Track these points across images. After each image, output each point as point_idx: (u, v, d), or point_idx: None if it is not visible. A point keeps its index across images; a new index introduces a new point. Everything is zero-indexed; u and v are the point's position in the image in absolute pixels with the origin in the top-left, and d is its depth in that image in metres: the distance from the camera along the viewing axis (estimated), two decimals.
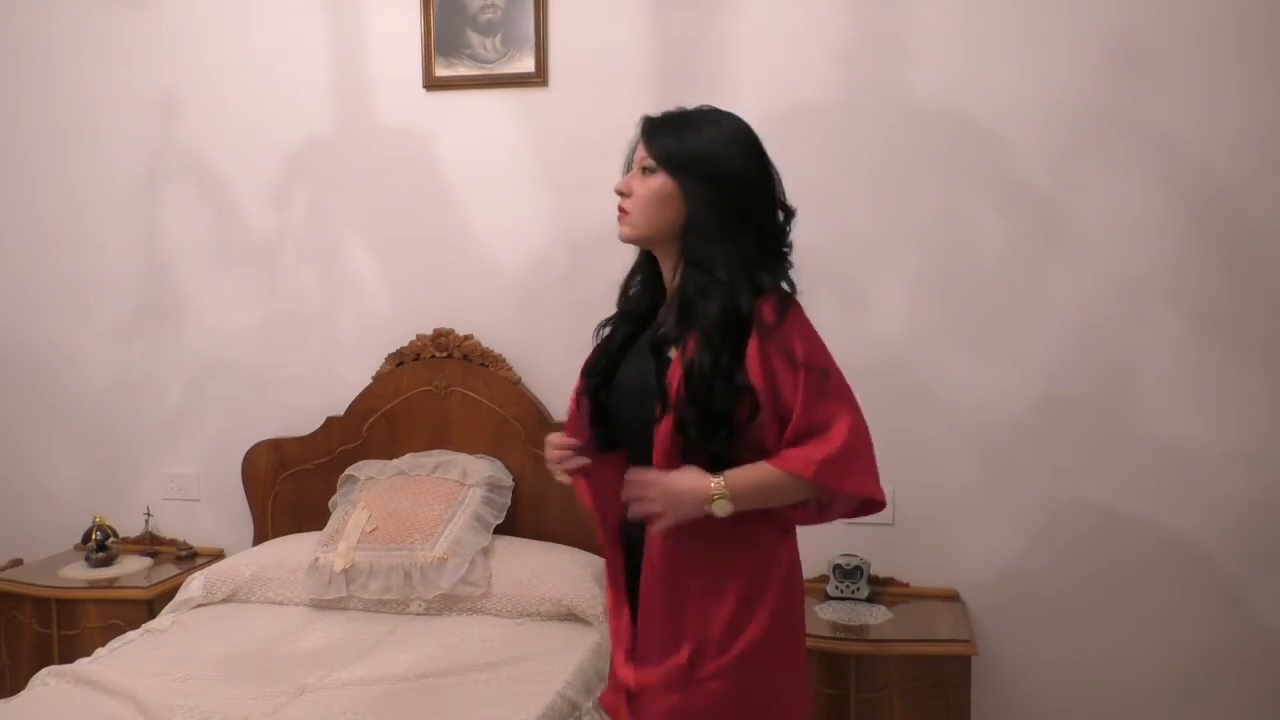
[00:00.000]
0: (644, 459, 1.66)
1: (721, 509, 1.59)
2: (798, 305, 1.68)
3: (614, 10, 2.97)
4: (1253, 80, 2.65)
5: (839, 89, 2.85)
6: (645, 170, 1.71)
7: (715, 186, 1.66)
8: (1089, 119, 2.73)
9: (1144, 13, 2.69)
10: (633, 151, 1.77)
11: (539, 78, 3.02)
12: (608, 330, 1.82)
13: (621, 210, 1.72)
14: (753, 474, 1.61)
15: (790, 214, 1.74)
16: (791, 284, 1.72)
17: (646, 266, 1.80)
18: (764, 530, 1.68)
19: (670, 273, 1.75)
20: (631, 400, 1.72)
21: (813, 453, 1.59)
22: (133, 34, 3.27)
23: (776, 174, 1.73)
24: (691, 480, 1.61)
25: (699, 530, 1.63)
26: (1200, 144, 2.68)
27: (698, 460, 1.62)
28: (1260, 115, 2.65)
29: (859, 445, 1.63)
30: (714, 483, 1.60)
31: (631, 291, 1.82)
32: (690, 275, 1.66)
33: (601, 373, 1.77)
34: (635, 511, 1.63)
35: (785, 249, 1.74)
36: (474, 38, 3.06)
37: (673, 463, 1.63)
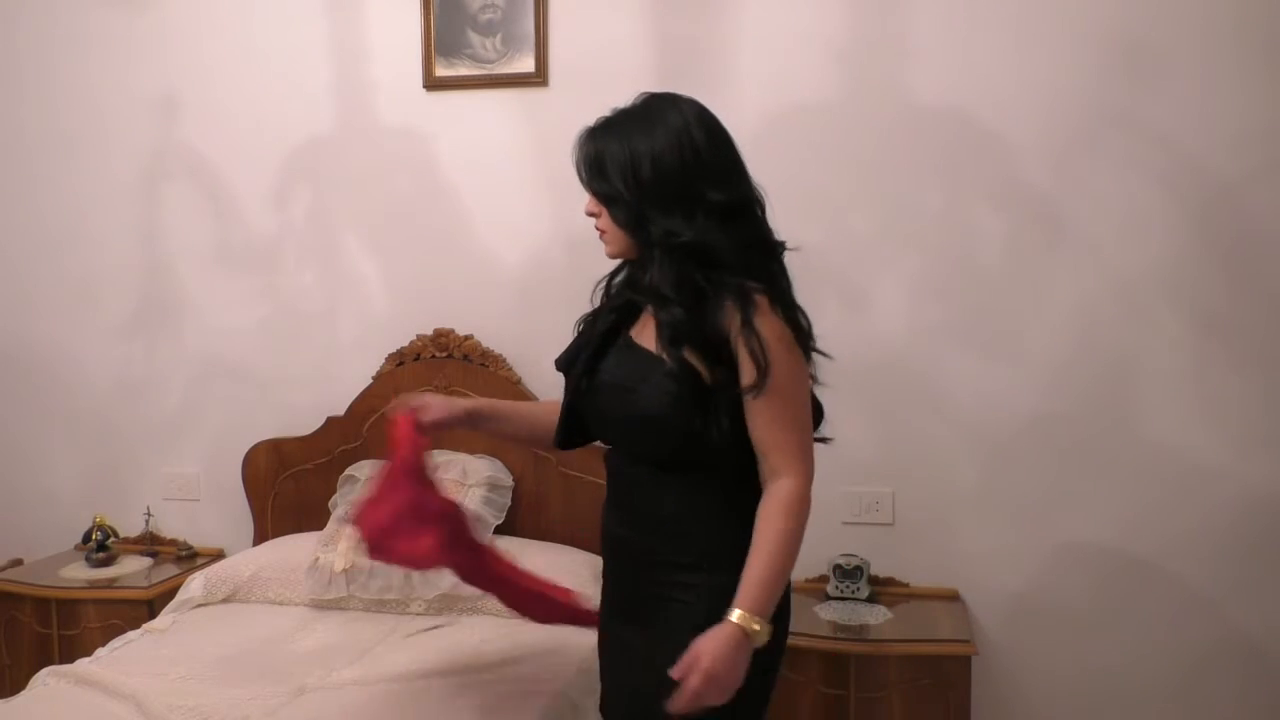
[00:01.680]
0: (620, 452, 1.79)
1: (762, 637, 1.59)
2: (761, 300, 1.63)
3: (614, 10, 2.97)
4: (1253, 79, 2.65)
5: (839, 89, 2.85)
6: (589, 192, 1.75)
7: (631, 196, 1.66)
8: (1089, 118, 2.73)
9: (1143, 12, 2.69)
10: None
11: (539, 78, 3.02)
12: (584, 325, 1.86)
13: (599, 229, 1.75)
14: (751, 583, 1.60)
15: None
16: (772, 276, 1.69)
17: (631, 265, 1.81)
18: None
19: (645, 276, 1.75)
20: (614, 395, 1.75)
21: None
22: (133, 34, 3.27)
23: (712, 158, 1.66)
24: (715, 642, 1.56)
25: None
26: (1200, 143, 2.68)
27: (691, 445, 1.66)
28: (1260, 114, 2.65)
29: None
30: (738, 623, 1.57)
31: (613, 289, 1.84)
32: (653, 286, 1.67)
33: (585, 365, 1.80)
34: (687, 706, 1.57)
35: (763, 233, 1.71)
36: (474, 38, 3.06)
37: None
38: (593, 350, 1.80)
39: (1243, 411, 2.71)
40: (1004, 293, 2.82)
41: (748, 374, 1.61)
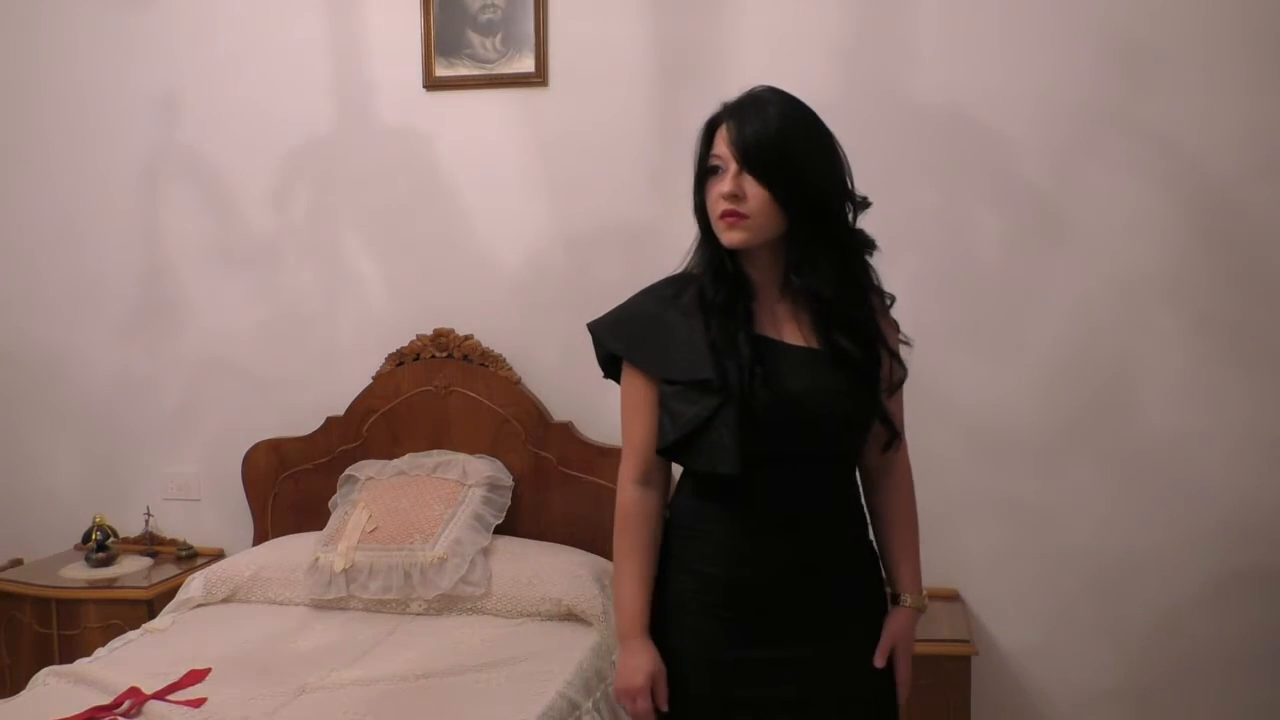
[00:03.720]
0: (816, 459, 1.68)
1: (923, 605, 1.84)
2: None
3: (614, 10, 2.97)
4: (1253, 79, 2.65)
5: (839, 89, 2.85)
6: (748, 172, 1.59)
7: (818, 192, 1.65)
8: (1089, 119, 2.74)
9: (1144, 12, 2.69)
10: (706, 141, 1.65)
11: (539, 78, 3.02)
12: (717, 335, 1.63)
13: (737, 214, 1.59)
14: (916, 564, 1.86)
15: (859, 204, 1.73)
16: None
17: (723, 264, 1.66)
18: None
19: (769, 272, 1.67)
20: (829, 400, 1.64)
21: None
22: (133, 33, 3.27)
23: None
24: (909, 629, 1.79)
25: None
26: (1200, 143, 2.68)
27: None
28: (1261, 114, 2.65)
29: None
30: (918, 606, 1.82)
31: (715, 297, 1.66)
32: (823, 284, 1.64)
33: (763, 378, 1.61)
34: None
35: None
36: (474, 38, 3.06)
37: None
38: (750, 360, 1.61)
39: (1243, 412, 2.71)
40: (1003, 293, 2.82)
41: (888, 364, 1.69)
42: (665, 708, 1.68)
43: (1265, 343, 2.70)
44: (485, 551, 2.76)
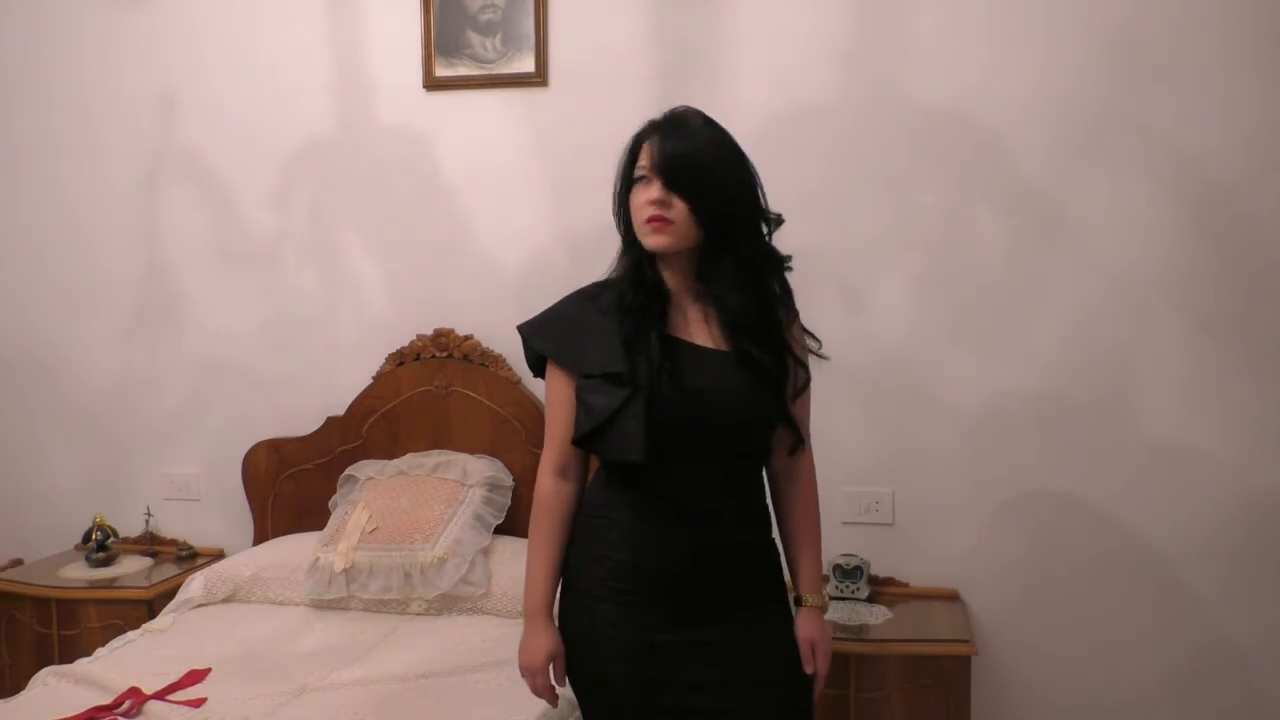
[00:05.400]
0: (719, 455, 1.75)
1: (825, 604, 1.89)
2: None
3: (614, 10, 2.97)
4: (1254, 80, 2.65)
5: (839, 89, 2.85)
6: (670, 189, 1.69)
7: (730, 209, 1.72)
8: (1090, 119, 2.73)
9: (1145, 13, 2.69)
10: (632, 152, 1.76)
11: (539, 78, 3.03)
12: (628, 334, 1.74)
13: (663, 220, 1.70)
14: (816, 565, 1.88)
15: (773, 221, 1.79)
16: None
17: (643, 270, 1.78)
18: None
19: (683, 279, 1.78)
20: (730, 398, 1.73)
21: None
22: (132, 33, 3.27)
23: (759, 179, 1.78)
24: (821, 627, 1.84)
25: None
26: (1201, 144, 2.68)
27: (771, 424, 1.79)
28: (1261, 115, 2.65)
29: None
30: (820, 604, 1.86)
31: (632, 300, 1.77)
32: (730, 292, 1.73)
33: (668, 374, 1.72)
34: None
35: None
36: (474, 38, 3.06)
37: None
38: (659, 358, 1.72)
39: (1243, 412, 2.71)
40: (1004, 293, 2.82)
41: (793, 370, 1.77)
42: (564, 684, 1.81)
43: (1267, 342, 2.69)
44: (485, 551, 2.76)
